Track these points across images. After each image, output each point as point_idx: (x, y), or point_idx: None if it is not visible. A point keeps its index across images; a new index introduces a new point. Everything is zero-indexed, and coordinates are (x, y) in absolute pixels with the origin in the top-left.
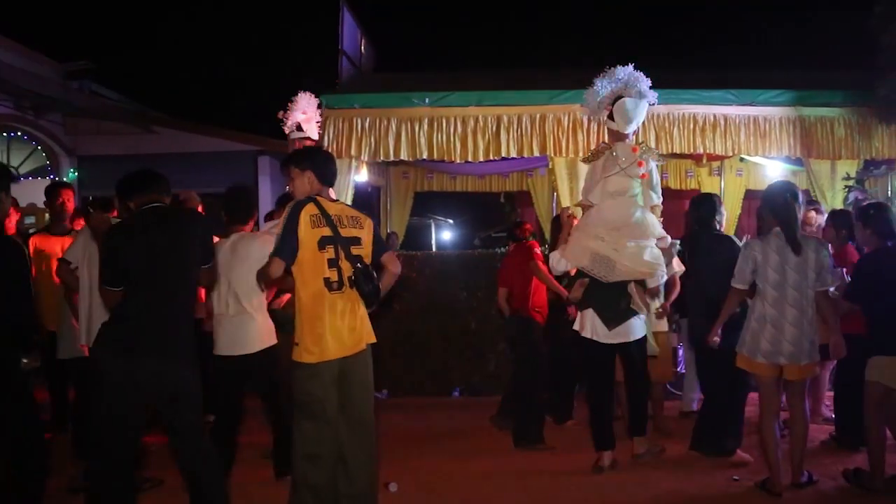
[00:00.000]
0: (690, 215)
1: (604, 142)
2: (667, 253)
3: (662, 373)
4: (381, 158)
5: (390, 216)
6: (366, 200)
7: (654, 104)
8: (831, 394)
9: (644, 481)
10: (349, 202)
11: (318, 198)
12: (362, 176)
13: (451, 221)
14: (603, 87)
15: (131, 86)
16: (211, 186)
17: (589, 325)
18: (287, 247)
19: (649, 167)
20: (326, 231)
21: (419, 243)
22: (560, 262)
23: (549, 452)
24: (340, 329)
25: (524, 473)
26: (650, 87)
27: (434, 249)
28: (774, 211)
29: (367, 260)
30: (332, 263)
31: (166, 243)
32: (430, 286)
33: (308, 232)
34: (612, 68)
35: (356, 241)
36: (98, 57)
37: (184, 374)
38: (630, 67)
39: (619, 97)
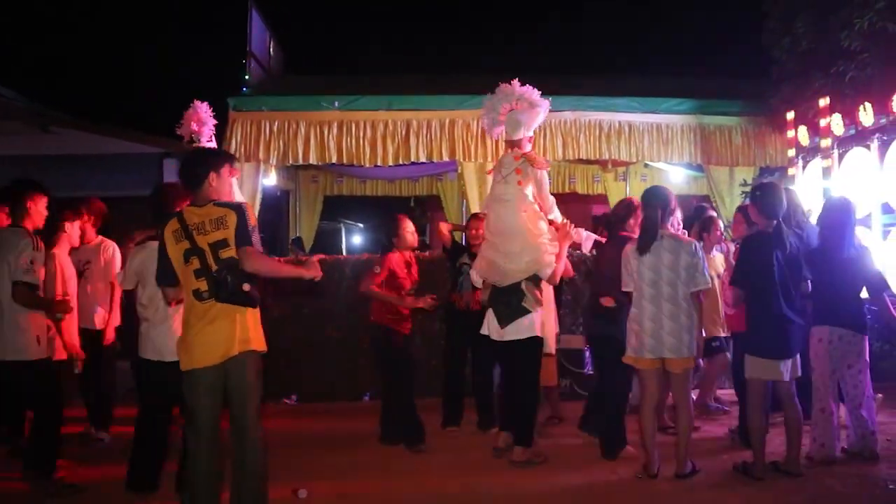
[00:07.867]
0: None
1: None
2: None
3: (544, 375)
4: (290, 162)
5: (300, 220)
6: (275, 204)
7: (546, 110)
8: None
9: (535, 473)
10: (257, 206)
11: (186, 208)
12: (271, 180)
13: (361, 226)
14: (493, 105)
15: (29, 84)
16: (115, 190)
17: (486, 323)
18: (161, 272)
19: (533, 177)
20: (187, 244)
21: (329, 248)
22: (475, 277)
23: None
24: (209, 337)
25: (435, 473)
26: (542, 95)
27: (344, 254)
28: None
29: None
30: (200, 273)
31: None
32: (339, 291)
33: (173, 248)
34: (506, 84)
35: (223, 244)
36: None
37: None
38: (517, 85)
39: (511, 110)
